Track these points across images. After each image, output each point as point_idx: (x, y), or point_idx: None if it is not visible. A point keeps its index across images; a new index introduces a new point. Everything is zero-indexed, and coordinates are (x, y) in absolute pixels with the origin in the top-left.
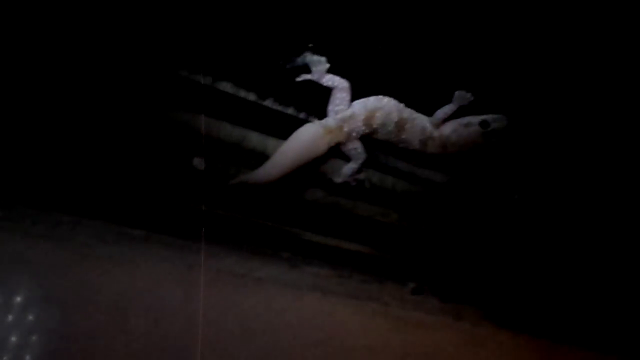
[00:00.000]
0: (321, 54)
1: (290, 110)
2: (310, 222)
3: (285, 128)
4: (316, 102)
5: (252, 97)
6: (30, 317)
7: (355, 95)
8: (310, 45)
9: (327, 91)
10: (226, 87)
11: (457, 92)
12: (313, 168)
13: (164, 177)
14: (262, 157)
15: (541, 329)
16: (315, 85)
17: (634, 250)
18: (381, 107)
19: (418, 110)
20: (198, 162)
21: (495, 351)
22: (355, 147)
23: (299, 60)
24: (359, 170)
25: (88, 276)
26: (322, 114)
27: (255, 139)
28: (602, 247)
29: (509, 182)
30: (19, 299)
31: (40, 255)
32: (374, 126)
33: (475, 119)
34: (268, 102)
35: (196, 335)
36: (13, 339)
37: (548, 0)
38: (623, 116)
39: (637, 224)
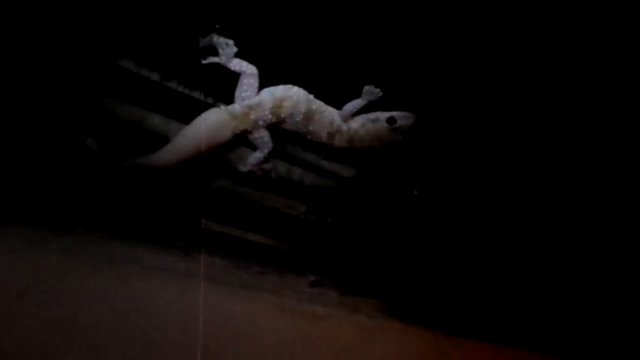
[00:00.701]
0: (229, 37)
1: (196, 94)
2: (212, 211)
3: (189, 112)
4: (225, 86)
5: (155, 77)
6: None
7: (264, 82)
8: (217, 26)
9: (237, 76)
10: (128, 64)
11: (366, 87)
12: (218, 155)
13: (53, 156)
14: (164, 140)
15: (436, 321)
16: (224, 70)
17: (525, 239)
18: (290, 96)
19: (327, 102)
20: (91, 141)
21: (390, 343)
22: (262, 136)
23: (205, 40)
24: (265, 160)
25: None
26: (230, 100)
27: (156, 121)
28: (496, 238)
29: (411, 178)
30: None
31: None
32: (282, 115)
33: (383, 115)
34: (172, 84)
35: (71, 323)
36: None
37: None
38: (526, 115)
39: (536, 213)
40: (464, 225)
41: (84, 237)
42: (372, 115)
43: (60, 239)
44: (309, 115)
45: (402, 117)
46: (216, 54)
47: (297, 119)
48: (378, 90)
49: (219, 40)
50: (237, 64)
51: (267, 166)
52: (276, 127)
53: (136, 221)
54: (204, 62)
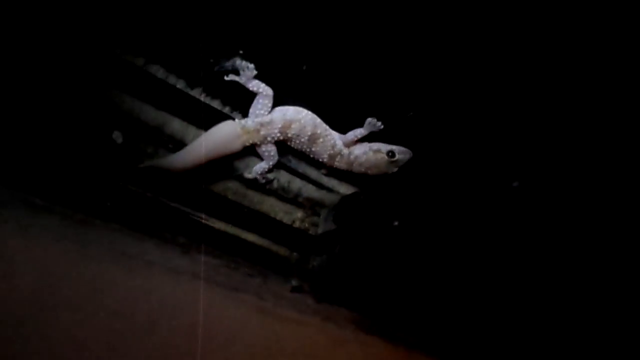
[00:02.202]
0: (250, 61)
1: (215, 103)
2: (215, 210)
3: (207, 120)
4: (242, 99)
5: (180, 84)
6: None
7: (277, 101)
8: (240, 52)
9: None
10: (158, 71)
11: (368, 119)
12: (227, 161)
13: (81, 150)
14: (181, 144)
15: (400, 336)
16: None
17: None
18: (299, 119)
19: (331, 125)
20: (117, 135)
21: (354, 352)
22: (269, 150)
23: (229, 64)
24: (269, 170)
25: None
26: (245, 111)
27: (176, 125)
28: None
29: (396, 209)
30: None
31: None
32: (289, 135)
33: (385, 147)
34: (195, 92)
35: (71, 308)
36: None
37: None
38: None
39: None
40: (439, 254)
41: (97, 230)
42: (375, 146)
43: (81, 231)
44: (313, 138)
45: (401, 152)
46: (237, 72)
47: (303, 140)
48: (380, 123)
49: (241, 63)
50: (256, 85)
51: (270, 176)
52: (283, 144)
53: (146, 216)
54: (226, 78)
